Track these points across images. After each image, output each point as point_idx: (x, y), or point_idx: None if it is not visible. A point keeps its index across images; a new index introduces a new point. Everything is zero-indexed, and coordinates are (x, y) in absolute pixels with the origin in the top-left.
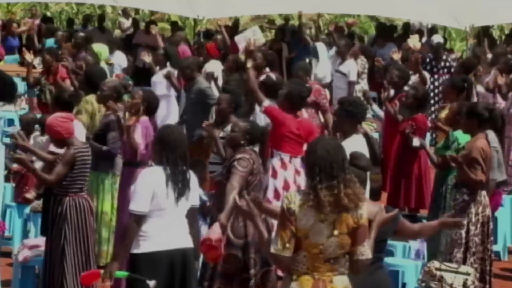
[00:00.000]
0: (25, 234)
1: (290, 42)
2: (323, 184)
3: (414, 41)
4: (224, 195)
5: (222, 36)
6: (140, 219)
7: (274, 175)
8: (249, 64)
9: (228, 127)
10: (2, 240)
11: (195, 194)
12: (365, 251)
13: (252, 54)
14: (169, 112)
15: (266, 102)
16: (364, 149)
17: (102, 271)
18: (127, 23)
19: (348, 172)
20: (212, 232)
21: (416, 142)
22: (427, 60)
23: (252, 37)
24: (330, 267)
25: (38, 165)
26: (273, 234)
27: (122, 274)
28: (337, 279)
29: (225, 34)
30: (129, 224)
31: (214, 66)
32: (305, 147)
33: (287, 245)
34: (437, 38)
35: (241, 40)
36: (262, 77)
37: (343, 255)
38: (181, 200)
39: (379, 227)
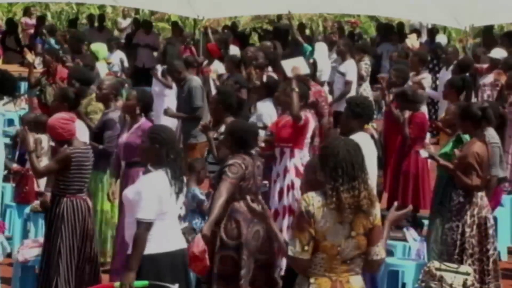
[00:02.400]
0: (25, 234)
1: (289, 42)
2: (344, 186)
3: (412, 41)
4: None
5: (207, 37)
6: (149, 226)
7: (299, 175)
8: (295, 88)
9: (222, 128)
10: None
11: (185, 191)
12: (380, 251)
13: (297, 78)
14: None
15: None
16: (370, 147)
17: (116, 283)
18: (124, 23)
19: (366, 172)
20: (195, 245)
21: (424, 153)
22: (429, 58)
23: (298, 65)
24: (347, 267)
25: (43, 163)
26: (288, 236)
27: (141, 283)
28: (354, 279)
29: (210, 36)
30: (139, 233)
31: (218, 67)
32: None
33: (306, 247)
34: (439, 38)
35: (287, 65)
36: (264, 78)
37: (359, 256)
38: (179, 198)
39: (391, 226)
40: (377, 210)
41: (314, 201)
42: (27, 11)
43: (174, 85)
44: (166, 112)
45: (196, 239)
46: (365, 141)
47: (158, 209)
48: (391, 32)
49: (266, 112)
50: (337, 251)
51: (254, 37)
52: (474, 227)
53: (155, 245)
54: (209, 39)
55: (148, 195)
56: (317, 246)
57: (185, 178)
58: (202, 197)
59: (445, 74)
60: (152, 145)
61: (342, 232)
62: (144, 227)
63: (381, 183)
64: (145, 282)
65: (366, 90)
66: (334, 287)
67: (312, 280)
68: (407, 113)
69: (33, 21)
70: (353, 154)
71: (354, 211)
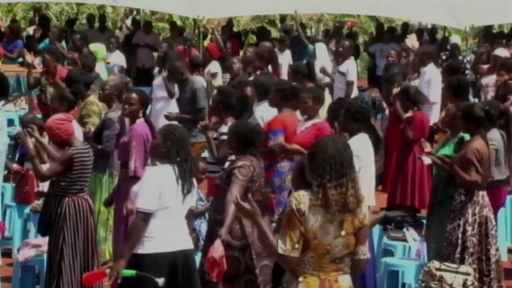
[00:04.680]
0: (25, 234)
1: (290, 42)
2: (332, 182)
3: (412, 41)
4: (222, 198)
5: (215, 38)
6: (147, 217)
7: None
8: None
9: (222, 128)
10: (2, 240)
11: (195, 193)
12: (366, 250)
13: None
14: None
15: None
16: (369, 147)
17: (107, 270)
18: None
19: (354, 170)
20: (215, 250)
21: (427, 160)
22: (444, 57)
23: None
24: (336, 267)
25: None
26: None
27: (129, 272)
28: (342, 278)
29: (218, 36)
30: (136, 222)
31: (216, 67)
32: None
33: (296, 245)
34: (454, 39)
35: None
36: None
37: (348, 255)
38: (187, 198)
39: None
40: (365, 209)
41: (305, 199)
42: (38, 11)
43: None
44: (168, 117)
45: (216, 244)
46: (365, 142)
47: (159, 202)
48: (386, 31)
49: (258, 114)
50: (327, 250)
51: (254, 37)
52: (475, 225)
53: (156, 244)
54: (217, 40)
55: (149, 186)
56: (307, 244)
57: (194, 181)
58: (201, 195)
59: (422, 75)
60: (164, 142)
61: (332, 232)
62: (142, 217)
63: (380, 167)
64: (133, 272)
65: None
66: (323, 286)
67: (300, 279)
68: (408, 114)
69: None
70: (342, 152)
71: (342, 209)
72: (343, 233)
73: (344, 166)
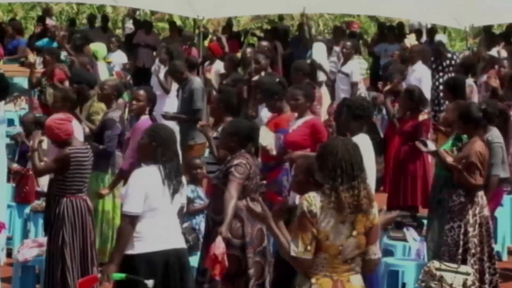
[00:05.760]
0: (25, 234)
1: (290, 42)
2: (344, 185)
3: (411, 41)
4: (220, 198)
5: (220, 41)
6: (133, 220)
7: None
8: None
9: (221, 127)
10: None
11: (185, 192)
12: (377, 250)
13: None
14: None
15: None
16: (369, 148)
17: (99, 275)
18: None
19: (365, 171)
20: (216, 247)
21: (431, 146)
22: (432, 58)
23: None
24: (348, 267)
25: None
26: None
27: (119, 276)
28: (354, 278)
29: (224, 40)
30: (123, 226)
31: (220, 67)
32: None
33: (309, 247)
34: (439, 37)
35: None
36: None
37: (359, 255)
38: (175, 197)
39: (380, 229)
40: (376, 209)
41: (316, 201)
42: (47, 12)
43: (173, 87)
44: (165, 117)
45: (217, 241)
46: (365, 143)
47: (146, 204)
48: (389, 31)
49: (264, 115)
50: (339, 250)
51: (253, 38)
52: (476, 226)
53: (148, 244)
54: (222, 42)
55: (134, 188)
56: (320, 246)
57: (184, 179)
58: (191, 195)
59: (410, 74)
60: (149, 142)
61: (344, 232)
62: (128, 220)
63: (381, 169)
64: (122, 275)
65: (361, 89)
66: (335, 287)
67: (313, 281)
68: (425, 116)
69: (51, 22)
70: (352, 154)
71: (354, 210)
72: (354, 233)
73: (355, 168)
